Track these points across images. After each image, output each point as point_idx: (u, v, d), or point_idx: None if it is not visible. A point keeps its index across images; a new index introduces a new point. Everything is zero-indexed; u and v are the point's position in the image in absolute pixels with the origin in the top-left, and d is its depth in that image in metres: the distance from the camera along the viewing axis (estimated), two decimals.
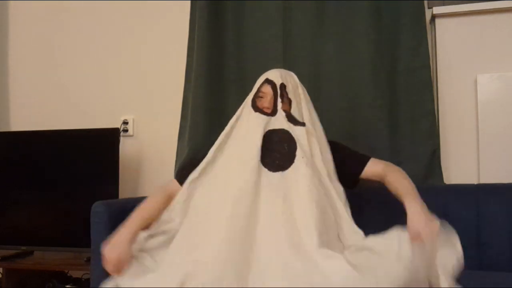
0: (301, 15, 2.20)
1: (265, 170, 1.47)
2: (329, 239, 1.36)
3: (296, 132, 1.52)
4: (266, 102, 1.56)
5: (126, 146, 2.48)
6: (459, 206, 1.84)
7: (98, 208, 1.71)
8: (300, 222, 1.36)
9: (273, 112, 1.54)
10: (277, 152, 1.49)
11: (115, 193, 2.19)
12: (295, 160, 1.48)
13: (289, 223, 1.36)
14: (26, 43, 2.75)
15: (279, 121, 1.53)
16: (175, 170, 2.34)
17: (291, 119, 1.54)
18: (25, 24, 2.75)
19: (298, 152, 1.49)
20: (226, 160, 1.54)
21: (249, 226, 1.36)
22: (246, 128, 1.55)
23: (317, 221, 1.36)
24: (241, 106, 1.64)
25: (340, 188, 1.54)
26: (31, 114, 2.70)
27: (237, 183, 1.44)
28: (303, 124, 1.54)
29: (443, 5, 2.08)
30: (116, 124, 2.44)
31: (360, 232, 1.46)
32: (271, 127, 1.52)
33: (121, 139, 2.34)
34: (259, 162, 1.47)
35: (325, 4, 2.17)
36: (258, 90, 1.60)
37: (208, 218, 1.42)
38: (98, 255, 1.68)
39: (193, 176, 1.56)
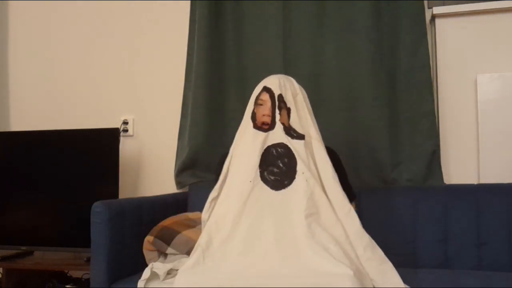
0: (301, 15, 2.20)
1: (267, 188, 1.47)
2: (336, 254, 1.35)
3: (295, 145, 1.51)
4: (266, 110, 1.56)
5: (126, 146, 2.48)
6: (459, 206, 1.84)
7: (98, 208, 1.71)
8: (301, 243, 1.36)
9: (272, 126, 1.54)
10: (276, 167, 1.49)
11: (115, 193, 2.19)
12: (296, 176, 1.47)
13: (292, 244, 1.37)
14: (26, 43, 2.75)
15: (278, 135, 1.52)
16: (175, 170, 2.35)
17: (289, 132, 1.53)
18: (25, 24, 2.75)
19: (299, 168, 1.48)
20: (230, 180, 1.54)
21: (248, 246, 1.38)
22: (245, 146, 1.55)
23: (319, 242, 1.36)
24: (243, 118, 1.63)
25: (341, 197, 1.50)
26: (31, 114, 2.70)
27: (236, 204, 1.46)
28: (302, 137, 1.53)
29: (443, 5, 2.08)
30: (116, 124, 2.44)
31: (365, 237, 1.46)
32: (270, 142, 1.52)
33: (121, 139, 2.34)
34: (260, 182, 1.48)
35: (325, 4, 2.17)
36: (257, 98, 1.59)
37: (211, 240, 1.44)
38: (98, 255, 1.69)
39: (212, 196, 1.59)
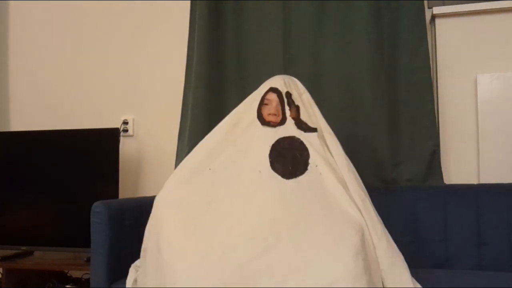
0: (301, 15, 2.19)
1: (278, 177, 1.44)
2: (350, 247, 1.31)
3: (308, 138, 1.50)
4: (272, 109, 1.55)
5: (126, 146, 2.48)
6: (459, 206, 1.84)
7: (98, 208, 1.71)
8: (317, 231, 1.33)
9: (282, 121, 1.53)
10: (288, 158, 1.47)
11: (115, 193, 2.19)
12: (309, 168, 1.46)
13: (304, 234, 1.33)
14: (26, 43, 2.75)
15: (289, 129, 1.52)
16: (175, 170, 2.34)
17: (301, 126, 1.52)
18: (25, 24, 2.75)
19: (312, 160, 1.47)
20: (235, 170, 1.49)
21: (259, 233, 1.32)
22: (252, 141, 1.52)
23: (334, 231, 1.33)
24: (239, 112, 1.61)
25: (356, 187, 1.49)
26: (31, 114, 2.70)
27: (245, 192, 1.42)
28: (314, 130, 1.52)
29: (443, 5, 2.08)
30: (116, 124, 2.44)
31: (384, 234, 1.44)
32: (281, 135, 1.50)
33: (121, 139, 2.34)
34: (270, 170, 1.44)
35: (325, 4, 2.17)
36: (263, 98, 1.58)
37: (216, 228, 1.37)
38: (98, 255, 1.69)
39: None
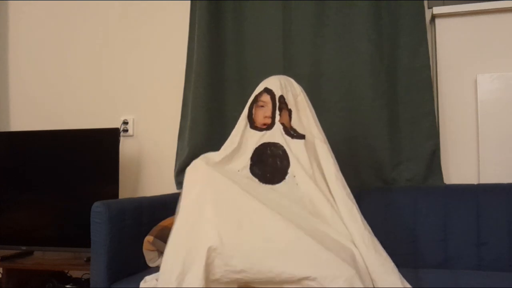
0: (301, 15, 2.20)
1: (255, 180, 1.47)
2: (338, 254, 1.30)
3: (293, 145, 1.50)
4: (268, 111, 1.55)
5: (126, 146, 2.48)
6: (459, 206, 1.84)
7: (98, 208, 1.71)
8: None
9: (271, 125, 1.53)
10: (269, 165, 1.48)
11: (115, 193, 2.19)
12: (286, 178, 1.47)
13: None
14: (26, 43, 2.75)
15: (276, 135, 1.51)
16: (175, 170, 2.35)
17: (289, 132, 1.52)
18: (25, 24, 2.75)
19: (290, 170, 1.47)
20: (221, 173, 1.49)
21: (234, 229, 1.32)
22: (242, 144, 1.54)
23: (320, 242, 1.31)
24: (241, 117, 1.61)
25: (343, 196, 1.47)
26: (31, 114, 2.70)
27: (224, 191, 1.41)
28: (302, 137, 1.52)
29: (443, 5, 2.08)
30: (116, 124, 2.44)
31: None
32: (266, 140, 1.51)
33: (121, 139, 2.34)
34: (249, 173, 1.47)
35: (325, 4, 2.17)
36: (258, 99, 1.58)
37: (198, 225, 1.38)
38: (98, 255, 1.69)
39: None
